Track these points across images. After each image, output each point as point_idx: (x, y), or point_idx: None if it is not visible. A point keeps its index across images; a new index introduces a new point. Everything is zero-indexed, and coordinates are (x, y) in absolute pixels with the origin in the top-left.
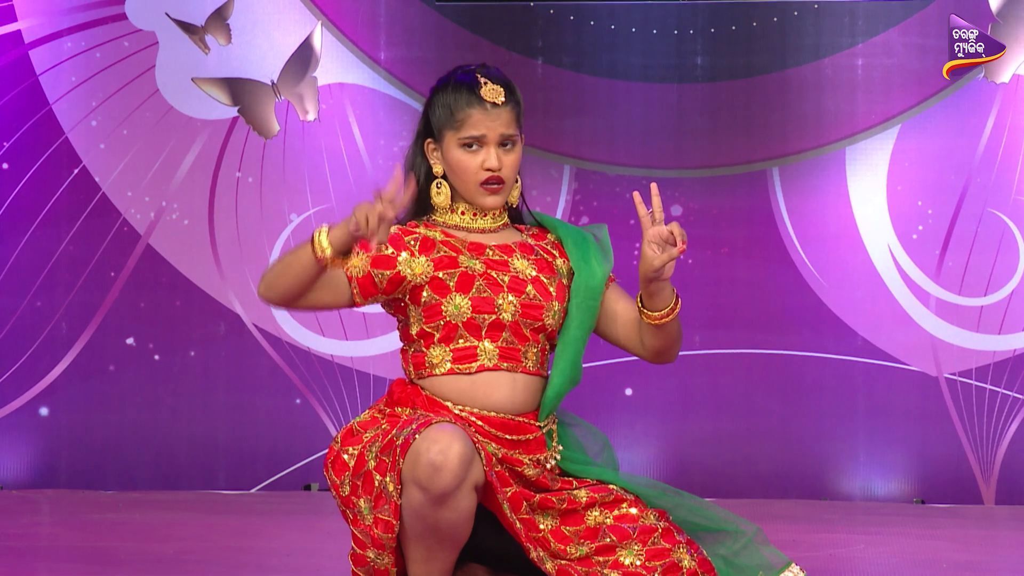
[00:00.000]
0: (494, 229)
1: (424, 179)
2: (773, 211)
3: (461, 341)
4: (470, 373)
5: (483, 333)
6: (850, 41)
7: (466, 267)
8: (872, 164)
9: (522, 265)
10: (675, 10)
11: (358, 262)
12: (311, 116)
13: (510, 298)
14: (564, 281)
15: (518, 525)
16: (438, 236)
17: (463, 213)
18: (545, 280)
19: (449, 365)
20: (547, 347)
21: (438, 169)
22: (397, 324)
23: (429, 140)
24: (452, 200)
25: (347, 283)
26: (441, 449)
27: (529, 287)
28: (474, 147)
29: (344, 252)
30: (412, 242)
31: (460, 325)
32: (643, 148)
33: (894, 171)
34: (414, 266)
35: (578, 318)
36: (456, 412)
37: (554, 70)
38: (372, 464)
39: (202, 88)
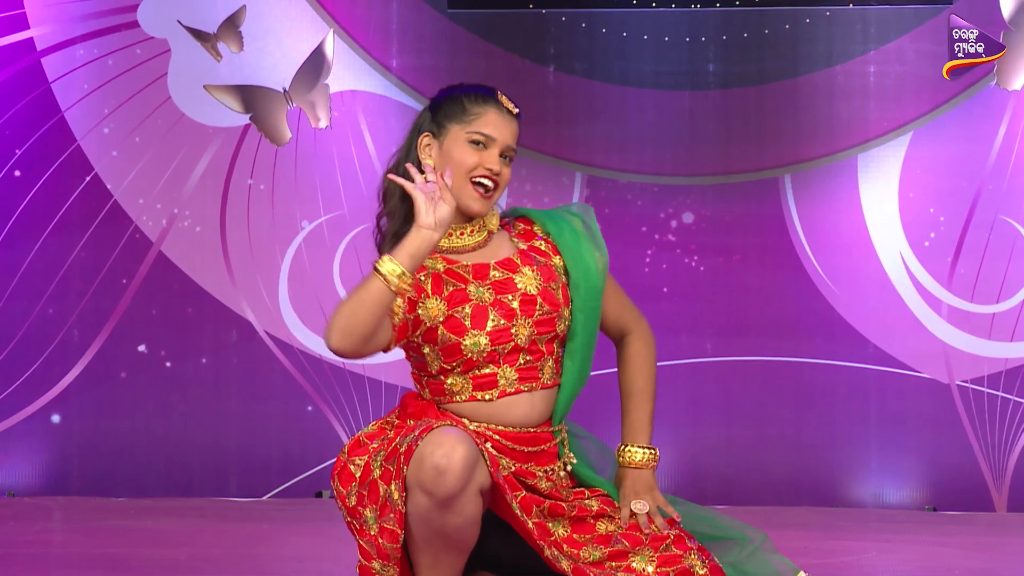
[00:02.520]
0: (483, 243)
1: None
2: (785, 218)
3: (480, 370)
4: (491, 400)
5: (502, 361)
6: (862, 48)
7: (477, 299)
8: (884, 171)
9: (527, 279)
10: (687, 17)
11: (397, 307)
12: (323, 123)
13: (524, 320)
14: (565, 280)
15: (530, 525)
16: (440, 266)
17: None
18: (552, 288)
19: (470, 393)
20: (560, 353)
21: (428, 164)
22: (407, 356)
23: (425, 135)
24: None
25: (390, 327)
26: (445, 452)
27: (539, 301)
28: (480, 145)
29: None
30: (423, 278)
31: (480, 359)
32: (655, 155)
33: (906, 178)
34: (429, 308)
35: (582, 322)
36: (473, 428)
37: (566, 77)
38: (377, 473)
39: (214, 95)
